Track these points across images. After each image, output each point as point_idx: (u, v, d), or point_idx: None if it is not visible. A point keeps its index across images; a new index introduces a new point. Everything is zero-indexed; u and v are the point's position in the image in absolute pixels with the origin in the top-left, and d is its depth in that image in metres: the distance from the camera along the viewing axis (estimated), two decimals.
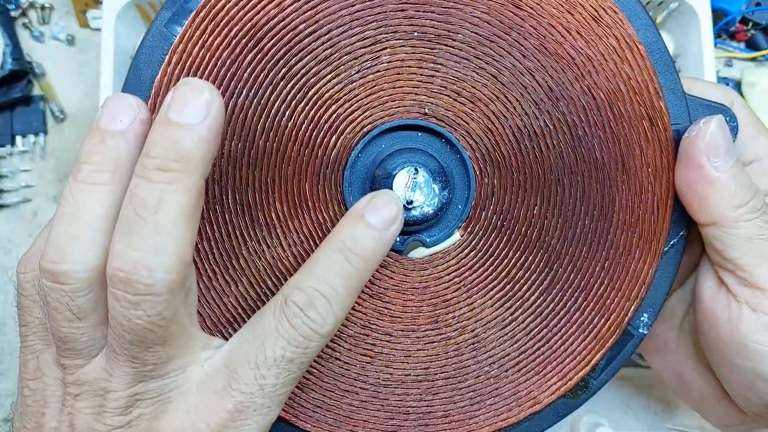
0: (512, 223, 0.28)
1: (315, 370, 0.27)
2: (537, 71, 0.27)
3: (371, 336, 0.27)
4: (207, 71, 0.26)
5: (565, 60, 0.26)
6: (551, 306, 0.28)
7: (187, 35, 0.26)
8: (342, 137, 0.27)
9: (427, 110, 0.27)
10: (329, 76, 0.26)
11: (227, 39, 0.26)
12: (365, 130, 0.27)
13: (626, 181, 0.27)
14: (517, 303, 0.28)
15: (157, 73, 0.25)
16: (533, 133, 0.27)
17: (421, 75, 0.27)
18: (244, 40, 0.26)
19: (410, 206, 0.26)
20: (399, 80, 0.27)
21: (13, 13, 0.48)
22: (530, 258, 0.28)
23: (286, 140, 0.26)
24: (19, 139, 0.48)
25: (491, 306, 0.28)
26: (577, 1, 0.26)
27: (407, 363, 0.27)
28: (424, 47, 0.26)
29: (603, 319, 0.28)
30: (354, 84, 0.26)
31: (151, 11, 0.43)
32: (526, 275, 0.28)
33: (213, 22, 0.26)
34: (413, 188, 0.26)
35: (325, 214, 0.27)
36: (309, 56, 0.26)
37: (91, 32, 0.49)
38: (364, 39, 0.26)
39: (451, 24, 0.26)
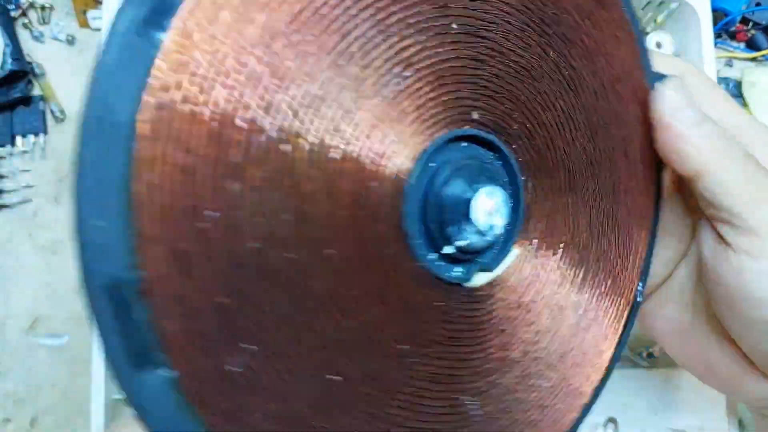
0: (555, 229, 0.27)
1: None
2: (561, 65, 0.25)
3: (451, 391, 0.24)
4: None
5: (582, 49, 0.25)
6: (587, 296, 0.28)
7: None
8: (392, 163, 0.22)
9: (474, 116, 0.23)
10: (369, 93, 0.21)
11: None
12: (418, 150, 0.22)
13: (627, 166, 0.27)
14: (563, 302, 0.27)
15: (137, 109, 0.16)
16: (561, 127, 0.26)
17: (463, 75, 0.23)
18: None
19: (490, 231, 0.22)
20: (442, 86, 0.22)
21: (13, 13, 0.48)
22: (568, 256, 0.27)
23: (334, 176, 0.20)
24: (19, 139, 0.48)
25: (547, 312, 0.27)
26: None
27: (489, 407, 0.25)
28: (463, 44, 0.22)
29: (622, 297, 0.28)
30: (395, 101, 0.22)
31: None
32: (568, 272, 0.27)
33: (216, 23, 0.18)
34: (496, 211, 0.22)
35: (390, 263, 0.22)
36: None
37: (91, 32, 0.49)
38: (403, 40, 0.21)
39: (486, 14, 0.23)
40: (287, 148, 0.19)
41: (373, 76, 0.20)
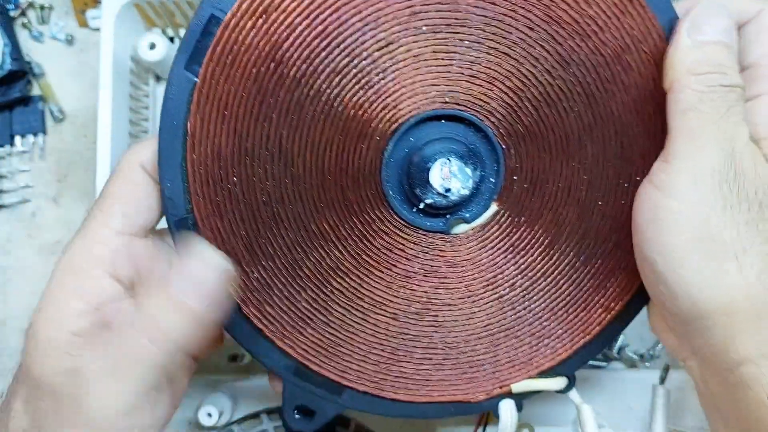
0: (542, 186, 0.30)
1: (389, 347, 0.31)
2: (545, 41, 0.28)
3: (433, 309, 0.31)
4: (235, 103, 0.28)
5: (571, 25, 0.28)
6: (588, 250, 0.31)
7: (208, 73, 0.27)
8: (372, 140, 0.29)
9: (447, 98, 0.29)
10: (351, 84, 0.28)
11: (248, 69, 0.27)
12: (393, 128, 0.29)
13: (641, 126, 0.29)
14: (557, 254, 0.31)
15: (188, 116, 0.27)
16: (550, 100, 0.29)
17: (438, 66, 0.28)
18: (263, 67, 0.27)
19: (448, 193, 0.28)
20: (418, 75, 0.28)
21: (12, 13, 0.49)
22: (564, 213, 0.30)
23: (321, 154, 0.29)
24: (18, 139, 0.49)
25: (534, 261, 0.31)
26: None
27: (469, 324, 0.31)
28: (436, 39, 0.28)
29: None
30: (375, 87, 0.28)
31: (151, 11, 0.43)
32: (562, 228, 0.31)
33: (230, 55, 0.27)
34: (450, 177, 0.28)
35: (371, 214, 0.30)
36: (329, 69, 0.28)
37: (90, 32, 0.50)
38: (378, 42, 0.28)
39: (458, 12, 0.28)
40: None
41: (363, 63, 0.28)
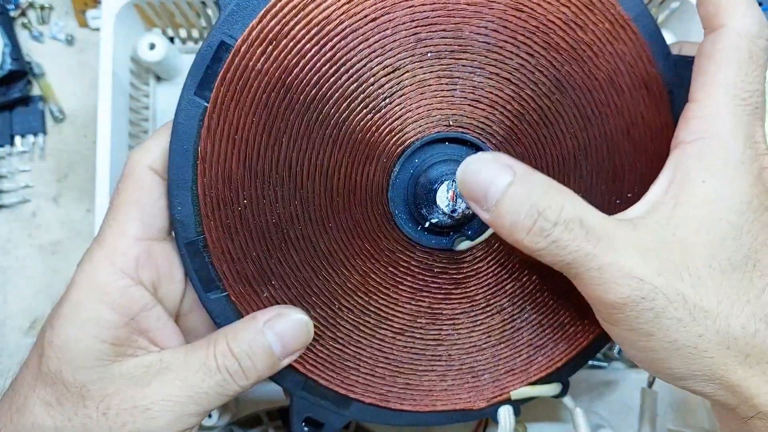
0: None
1: (396, 360, 0.32)
2: (544, 67, 0.30)
3: (437, 323, 0.32)
4: (246, 128, 0.29)
5: (568, 51, 0.30)
6: None
7: (219, 99, 0.28)
8: (379, 163, 0.30)
9: (450, 122, 0.30)
10: (359, 109, 0.29)
11: (258, 94, 0.28)
12: (399, 151, 0.30)
13: (632, 145, 0.31)
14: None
15: (198, 140, 0.28)
16: (548, 122, 0.30)
17: (442, 91, 0.30)
18: (273, 93, 0.28)
19: (454, 213, 0.29)
20: (423, 99, 0.30)
21: (12, 13, 0.49)
22: None
23: (330, 177, 0.30)
24: (18, 139, 0.49)
25: (534, 275, 0.32)
26: None
27: (471, 337, 0.32)
28: (440, 65, 0.29)
29: None
30: (382, 111, 0.30)
31: (150, 11, 0.43)
32: None
33: (241, 81, 0.28)
34: (456, 199, 0.29)
35: (378, 233, 0.31)
36: (337, 94, 0.29)
37: (90, 32, 0.50)
38: (385, 68, 0.29)
39: (462, 39, 0.29)
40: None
41: (370, 89, 0.29)
